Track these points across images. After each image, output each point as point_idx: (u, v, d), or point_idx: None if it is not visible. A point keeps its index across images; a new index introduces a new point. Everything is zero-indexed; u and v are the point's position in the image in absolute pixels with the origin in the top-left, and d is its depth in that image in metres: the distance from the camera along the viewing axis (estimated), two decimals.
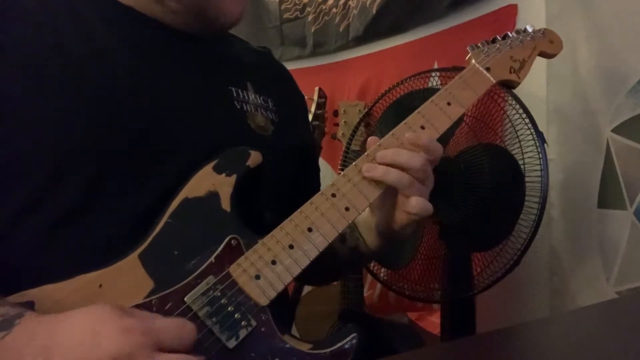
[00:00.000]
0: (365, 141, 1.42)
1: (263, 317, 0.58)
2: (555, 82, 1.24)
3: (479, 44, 0.80)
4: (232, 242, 0.61)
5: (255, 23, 2.37)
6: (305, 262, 0.61)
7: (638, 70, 1.07)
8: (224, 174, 0.64)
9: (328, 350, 0.59)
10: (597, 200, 1.16)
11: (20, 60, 0.62)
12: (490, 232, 1.15)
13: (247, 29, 2.30)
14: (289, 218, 0.63)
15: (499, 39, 0.82)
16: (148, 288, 0.57)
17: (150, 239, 0.60)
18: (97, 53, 0.65)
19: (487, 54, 0.79)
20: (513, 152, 1.12)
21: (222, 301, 0.57)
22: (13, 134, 0.60)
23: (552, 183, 1.20)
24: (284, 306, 0.77)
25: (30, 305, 0.54)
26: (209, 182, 0.63)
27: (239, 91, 0.75)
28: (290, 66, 1.81)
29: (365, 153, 0.68)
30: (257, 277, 0.60)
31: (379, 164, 0.67)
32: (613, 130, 1.12)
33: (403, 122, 0.71)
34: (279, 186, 0.76)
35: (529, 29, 0.84)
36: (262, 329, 0.58)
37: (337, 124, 1.73)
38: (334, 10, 2.01)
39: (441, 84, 1.23)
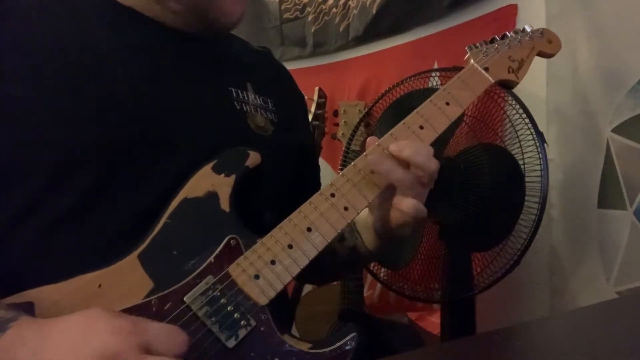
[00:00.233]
0: (365, 141, 1.42)
1: (262, 317, 0.58)
2: (555, 82, 1.24)
3: (477, 44, 0.80)
4: (231, 242, 0.61)
5: (255, 23, 2.37)
6: (304, 262, 0.61)
7: (638, 70, 1.07)
8: (223, 174, 0.64)
9: (327, 349, 0.59)
10: (597, 200, 1.16)
11: (20, 62, 0.62)
12: (490, 232, 1.15)
13: (247, 29, 2.30)
14: (288, 218, 0.63)
15: (498, 39, 0.82)
16: (147, 288, 0.57)
17: (149, 239, 0.60)
18: (97, 54, 0.65)
19: (486, 54, 0.79)
20: (513, 152, 1.12)
21: (222, 301, 0.57)
22: (13, 135, 0.60)
23: (552, 183, 1.20)
24: (284, 306, 0.77)
25: (29, 306, 0.54)
26: (208, 182, 0.63)
27: (239, 92, 0.75)
28: (290, 66, 1.81)
29: (364, 153, 0.68)
30: (257, 277, 0.60)
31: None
32: (613, 130, 1.12)
33: (402, 122, 0.71)
34: (278, 186, 0.76)
35: (528, 29, 0.84)
36: (262, 329, 0.58)
37: (337, 124, 1.73)
38: (334, 10, 2.01)
39: (441, 84, 1.23)
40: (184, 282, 0.58)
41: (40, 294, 0.55)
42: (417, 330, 1.60)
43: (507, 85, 0.81)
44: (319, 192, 0.65)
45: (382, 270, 1.33)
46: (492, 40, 0.82)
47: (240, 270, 0.59)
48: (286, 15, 2.28)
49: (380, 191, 0.67)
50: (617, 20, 1.10)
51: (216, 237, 0.60)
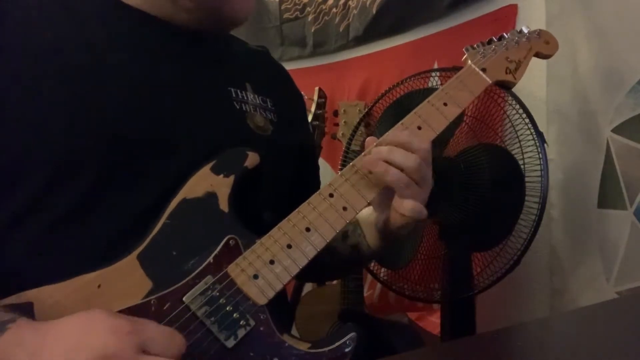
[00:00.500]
0: (365, 141, 1.42)
1: (262, 317, 0.58)
2: (555, 82, 1.24)
3: (474, 45, 0.80)
4: (231, 242, 0.61)
5: (255, 23, 2.37)
6: (303, 262, 0.61)
7: (638, 70, 1.06)
8: (222, 175, 0.64)
9: (327, 349, 0.59)
10: (597, 200, 1.16)
11: (19, 62, 0.62)
12: (490, 232, 1.15)
13: (247, 29, 2.30)
14: (286, 218, 0.63)
15: (495, 40, 0.82)
16: (147, 288, 0.57)
17: (148, 239, 0.60)
18: (96, 54, 0.65)
19: (483, 55, 0.79)
20: (513, 152, 1.12)
21: (221, 301, 0.57)
22: (13, 136, 0.60)
23: (552, 183, 1.20)
24: (283, 306, 0.77)
25: (29, 306, 0.54)
26: (207, 182, 0.63)
27: (238, 91, 0.75)
28: (290, 66, 1.81)
29: (363, 153, 0.69)
30: (256, 276, 0.60)
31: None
32: (613, 130, 1.12)
33: (400, 122, 0.71)
34: (278, 186, 0.76)
35: (525, 30, 0.84)
36: (261, 329, 0.58)
37: (337, 124, 1.73)
38: (334, 10, 2.01)
39: (441, 84, 1.23)
40: (183, 282, 0.58)
41: (39, 294, 0.55)
42: (417, 330, 1.60)
43: (504, 86, 0.82)
44: (317, 192, 0.65)
45: (382, 270, 1.33)
46: (490, 42, 0.82)
47: (239, 270, 0.59)
48: (286, 15, 2.28)
49: (379, 191, 0.67)
50: (617, 20, 1.10)
51: (215, 238, 0.61)
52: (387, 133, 0.70)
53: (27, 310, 0.54)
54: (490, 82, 0.77)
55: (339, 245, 0.80)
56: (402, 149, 0.67)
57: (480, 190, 1.10)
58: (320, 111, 1.77)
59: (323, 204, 0.64)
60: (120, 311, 0.54)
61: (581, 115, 1.19)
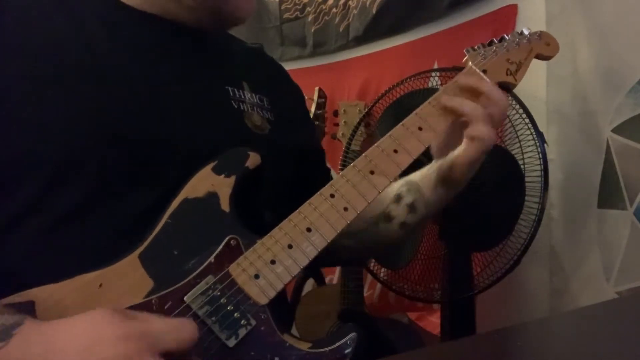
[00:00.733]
0: (365, 141, 1.43)
1: (262, 316, 0.58)
2: (555, 83, 1.24)
3: (475, 47, 0.80)
4: (232, 242, 0.61)
5: (255, 23, 2.37)
6: (304, 262, 0.61)
7: (638, 70, 1.07)
8: (223, 175, 0.64)
9: (327, 349, 0.59)
10: (597, 200, 1.16)
11: (18, 62, 0.62)
12: (490, 232, 1.15)
13: (247, 29, 2.30)
14: (288, 218, 0.63)
15: (496, 41, 0.82)
16: (148, 288, 0.57)
17: (150, 239, 0.60)
18: (95, 54, 0.65)
19: (484, 57, 0.79)
20: (513, 152, 1.13)
21: (222, 300, 0.58)
22: (13, 136, 0.60)
23: (552, 183, 1.20)
24: (284, 305, 0.77)
25: (30, 305, 0.54)
26: (208, 182, 0.63)
27: (235, 90, 0.75)
28: (290, 66, 1.81)
29: (364, 154, 0.69)
30: (257, 276, 0.60)
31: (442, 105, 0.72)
32: (613, 130, 1.12)
33: (400, 123, 0.71)
34: (278, 186, 0.76)
35: (525, 32, 0.84)
36: (262, 328, 0.58)
37: (337, 124, 1.73)
38: (334, 10, 2.01)
39: (441, 84, 1.24)
40: (184, 281, 0.58)
41: (41, 293, 0.55)
42: (417, 330, 1.60)
43: (505, 88, 0.81)
44: (318, 192, 0.65)
45: (382, 270, 1.33)
46: (490, 43, 0.82)
47: (240, 270, 0.59)
48: (286, 15, 2.28)
49: (379, 192, 0.67)
50: (617, 20, 1.10)
51: (216, 237, 0.61)
52: (388, 133, 0.70)
53: (28, 309, 0.54)
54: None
55: (392, 209, 0.80)
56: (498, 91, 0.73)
57: (480, 190, 1.10)
58: (320, 111, 1.77)
59: (324, 205, 0.64)
60: None
61: (581, 115, 1.19)
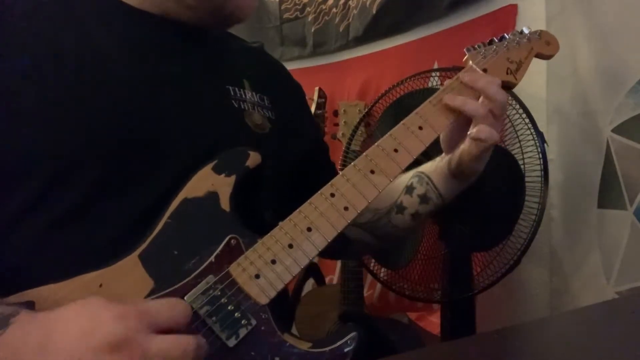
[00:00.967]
0: (365, 141, 1.43)
1: (263, 316, 0.58)
2: (555, 83, 1.24)
3: (475, 46, 0.80)
4: (232, 241, 0.61)
5: (255, 23, 2.37)
6: (304, 262, 0.61)
7: (638, 70, 1.07)
8: (223, 174, 0.64)
9: (328, 349, 0.59)
10: (597, 200, 1.16)
11: (19, 62, 0.62)
12: (490, 232, 1.15)
13: (247, 29, 2.30)
14: (288, 217, 0.63)
15: (496, 40, 0.82)
16: (148, 288, 0.57)
17: (150, 239, 0.60)
18: (96, 54, 0.65)
19: (484, 56, 0.79)
20: (513, 152, 1.13)
21: (222, 300, 0.57)
22: (14, 135, 0.60)
23: (552, 183, 1.20)
24: (284, 305, 0.77)
25: (30, 305, 0.54)
26: (209, 182, 0.63)
27: (236, 89, 0.75)
28: (290, 66, 1.80)
29: (364, 153, 0.69)
30: (257, 276, 0.60)
31: (445, 104, 0.73)
32: (613, 130, 1.12)
33: (401, 122, 0.71)
34: (279, 185, 0.76)
35: (526, 31, 0.84)
36: (262, 328, 0.58)
37: (337, 124, 1.73)
38: (334, 10, 2.01)
39: (441, 84, 1.24)
40: (184, 281, 0.58)
41: (41, 293, 0.55)
42: (417, 330, 1.60)
43: (505, 87, 0.81)
44: (319, 192, 0.65)
45: (382, 270, 1.33)
46: (491, 42, 0.82)
47: (240, 270, 0.59)
48: (286, 15, 2.28)
49: (379, 192, 0.67)
50: (617, 20, 1.10)
51: (217, 237, 0.61)
52: (389, 133, 0.70)
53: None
54: None
55: (403, 200, 0.81)
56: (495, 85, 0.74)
57: (480, 190, 1.10)
58: (320, 111, 1.77)
59: (324, 204, 0.64)
60: None
61: (581, 115, 1.19)
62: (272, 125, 0.77)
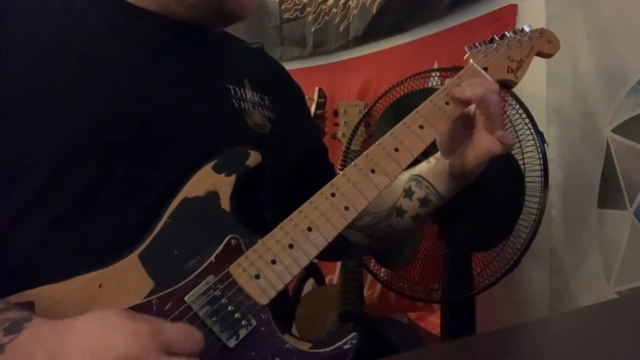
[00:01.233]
0: (365, 141, 1.43)
1: (263, 317, 0.58)
2: (555, 82, 1.24)
3: (476, 44, 0.80)
4: (232, 241, 0.61)
5: (255, 23, 2.37)
6: (305, 262, 0.61)
7: (638, 70, 1.07)
8: (223, 174, 0.64)
9: (328, 349, 0.59)
10: (597, 200, 1.16)
11: (20, 61, 0.62)
12: (490, 232, 1.15)
13: (247, 29, 2.29)
14: (288, 217, 0.63)
15: (497, 39, 0.82)
16: (148, 288, 0.57)
17: (149, 238, 0.60)
18: (96, 52, 0.65)
19: (485, 54, 0.79)
20: (513, 152, 1.12)
21: (222, 301, 0.57)
22: (14, 134, 0.60)
23: (552, 183, 1.20)
24: (284, 305, 0.77)
25: (29, 306, 0.54)
26: (209, 181, 0.63)
27: (237, 89, 0.75)
28: (290, 66, 1.81)
29: (365, 153, 0.69)
30: (257, 276, 0.60)
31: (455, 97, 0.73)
32: (613, 130, 1.12)
33: (402, 122, 0.71)
34: (280, 184, 0.76)
35: (526, 29, 0.84)
36: (262, 329, 0.58)
37: (337, 124, 1.73)
38: (334, 10, 2.01)
39: (441, 84, 1.23)
40: (184, 281, 0.58)
41: (40, 294, 0.55)
42: (417, 330, 1.60)
43: (506, 85, 0.81)
44: (319, 191, 0.65)
45: (382, 270, 1.33)
46: (492, 40, 0.82)
47: (241, 270, 0.59)
48: (286, 15, 2.28)
49: (380, 192, 0.67)
50: (617, 20, 1.10)
51: (217, 237, 0.60)
52: (389, 132, 0.70)
53: (27, 310, 0.54)
54: (492, 81, 0.77)
55: (402, 203, 0.81)
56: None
57: (480, 190, 1.10)
58: (320, 111, 1.77)
59: (325, 204, 0.64)
60: None
61: (581, 115, 1.19)
62: (272, 125, 0.77)
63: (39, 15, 0.65)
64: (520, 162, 1.11)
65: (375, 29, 1.82)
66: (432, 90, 1.12)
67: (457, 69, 0.98)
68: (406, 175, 0.82)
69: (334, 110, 1.75)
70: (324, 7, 2.07)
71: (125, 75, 0.66)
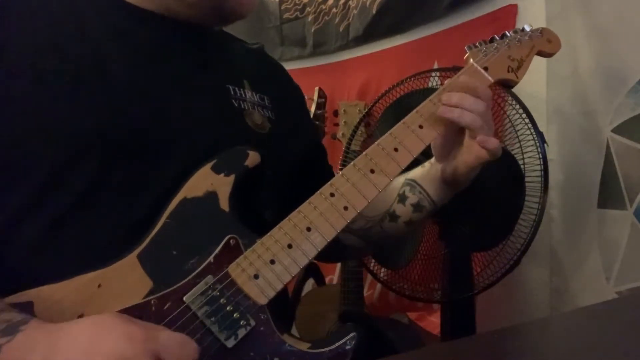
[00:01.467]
0: (365, 141, 1.43)
1: (262, 317, 0.58)
2: (555, 82, 1.24)
3: (476, 44, 0.80)
4: (231, 241, 0.61)
5: (255, 23, 2.37)
6: (304, 262, 0.61)
7: (638, 70, 1.06)
8: (222, 174, 0.64)
9: (327, 349, 0.59)
10: (597, 200, 1.16)
11: (19, 61, 0.62)
12: (490, 232, 1.15)
13: (247, 29, 2.29)
14: (287, 217, 0.63)
15: (497, 38, 0.82)
16: (147, 288, 0.57)
17: (148, 239, 0.60)
18: (95, 52, 0.65)
19: (485, 54, 0.79)
20: (513, 152, 1.12)
21: (221, 301, 0.57)
22: (14, 134, 0.60)
23: (552, 183, 1.19)
24: (284, 305, 0.77)
25: (28, 306, 0.54)
26: (208, 182, 0.63)
27: (236, 89, 0.75)
28: (290, 66, 1.81)
29: (364, 152, 0.69)
30: (256, 276, 0.60)
31: (443, 104, 0.72)
32: (613, 130, 1.12)
33: (401, 121, 0.71)
34: (279, 185, 0.76)
35: (527, 29, 0.84)
36: (261, 329, 0.58)
37: (337, 124, 1.73)
38: (334, 10, 2.01)
39: (441, 84, 1.23)
40: (183, 281, 0.58)
41: (39, 294, 0.55)
42: (417, 330, 1.60)
43: (506, 85, 0.81)
44: (318, 191, 0.65)
45: (382, 270, 1.33)
46: (492, 40, 0.81)
47: (239, 270, 0.59)
48: (286, 15, 2.28)
49: (379, 192, 0.67)
50: (617, 20, 1.10)
51: (216, 237, 0.60)
52: (389, 132, 0.70)
53: (26, 310, 0.54)
54: (492, 80, 0.77)
55: (396, 208, 0.81)
56: (471, 95, 0.71)
57: (480, 190, 1.10)
58: (320, 111, 1.77)
59: (324, 204, 0.64)
60: (120, 311, 0.54)
61: (581, 115, 1.19)
62: (271, 125, 0.77)
63: (38, 16, 0.65)
64: (520, 162, 1.11)
65: (375, 29, 1.82)
66: (432, 90, 1.12)
67: (457, 69, 0.98)
68: (401, 179, 0.81)
69: (334, 110, 1.75)
70: (324, 7, 2.07)
71: (125, 75, 0.65)
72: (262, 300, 0.59)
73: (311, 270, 1.88)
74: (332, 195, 0.65)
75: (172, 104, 0.68)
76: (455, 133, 0.74)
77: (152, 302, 0.56)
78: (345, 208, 0.65)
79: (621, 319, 0.66)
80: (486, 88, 0.74)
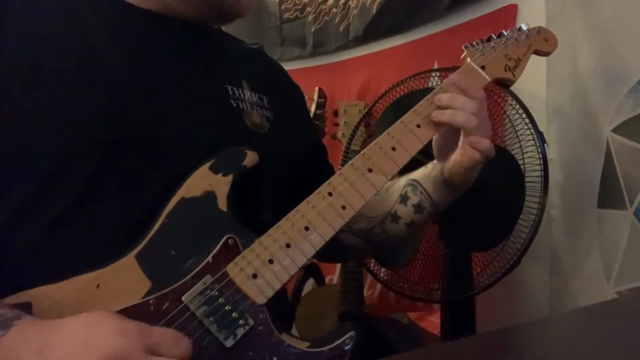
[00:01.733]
0: (365, 141, 1.43)
1: (261, 316, 0.58)
2: (555, 82, 1.23)
3: (474, 43, 0.80)
4: (229, 241, 0.61)
5: (255, 23, 2.37)
6: (302, 261, 0.61)
7: (638, 70, 1.06)
8: (220, 174, 0.64)
9: (326, 348, 0.59)
10: (597, 200, 1.16)
11: (18, 61, 0.62)
12: (490, 232, 1.14)
13: (247, 29, 2.29)
14: (285, 217, 0.63)
15: (494, 37, 0.82)
16: (145, 288, 0.57)
17: (146, 239, 0.60)
18: (94, 52, 0.65)
19: (482, 53, 0.79)
20: (513, 152, 1.12)
21: (220, 300, 0.57)
22: (13, 134, 0.60)
23: (552, 183, 1.19)
24: (283, 305, 0.77)
25: (27, 306, 0.54)
26: (206, 181, 0.63)
27: (235, 89, 0.75)
28: (290, 66, 1.81)
29: (362, 152, 0.69)
30: (255, 276, 0.59)
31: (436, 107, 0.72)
32: (613, 130, 1.11)
33: (399, 121, 0.71)
34: (278, 185, 0.76)
35: (524, 27, 0.84)
36: (260, 328, 0.58)
37: (337, 124, 1.73)
38: (334, 10, 2.01)
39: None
40: (182, 281, 0.58)
41: (38, 294, 0.55)
42: (417, 330, 1.60)
43: (504, 84, 0.81)
44: (316, 191, 0.65)
45: (382, 270, 1.33)
46: (489, 39, 0.82)
47: (238, 270, 0.59)
48: (286, 15, 2.28)
49: (377, 190, 0.67)
50: (617, 20, 1.10)
51: (214, 237, 0.60)
52: (387, 131, 0.70)
53: (25, 310, 0.54)
54: (489, 79, 0.77)
55: (398, 209, 0.80)
56: (462, 95, 0.71)
57: (480, 190, 1.10)
58: (320, 111, 1.77)
59: (322, 203, 0.64)
60: (119, 311, 0.54)
61: (581, 115, 1.19)
62: (270, 125, 0.77)
63: (37, 16, 0.65)
64: (520, 162, 1.11)
65: (375, 29, 1.82)
66: (432, 90, 1.12)
67: (457, 69, 0.98)
68: (403, 180, 0.81)
69: (334, 110, 1.75)
70: (324, 7, 2.07)
71: (125, 75, 0.66)
72: (261, 300, 0.59)
73: (311, 270, 1.88)
74: (330, 194, 0.65)
75: (172, 103, 0.68)
76: (453, 133, 0.74)
77: (151, 302, 0.56)
78: (344, 207, 0.65)
79: (621, 319, 0.66)
80: (477, 86, 0.74)
